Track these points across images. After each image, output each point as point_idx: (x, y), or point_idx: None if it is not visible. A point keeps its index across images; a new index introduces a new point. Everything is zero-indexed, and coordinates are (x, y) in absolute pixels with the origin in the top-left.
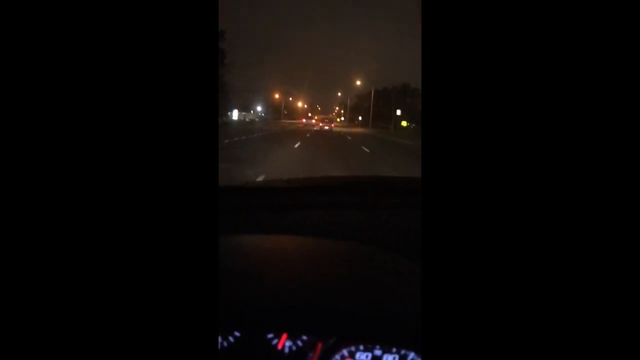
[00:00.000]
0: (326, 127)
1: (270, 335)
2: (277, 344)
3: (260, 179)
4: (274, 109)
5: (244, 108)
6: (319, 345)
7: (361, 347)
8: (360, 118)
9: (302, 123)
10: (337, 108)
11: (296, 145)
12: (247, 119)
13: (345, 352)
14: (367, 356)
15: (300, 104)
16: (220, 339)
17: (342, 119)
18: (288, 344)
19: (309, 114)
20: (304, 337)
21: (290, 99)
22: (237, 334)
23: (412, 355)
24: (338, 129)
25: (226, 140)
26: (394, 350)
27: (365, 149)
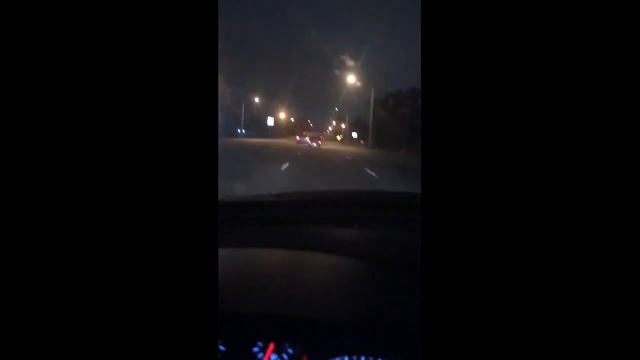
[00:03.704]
0: (314, 145)
1: (255, 350)
2: (262, 358)
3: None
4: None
5: None
6: (304, 359)
7: (346, 359)
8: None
9: (296, 141)
10: (334, 122)
11: None
12: None
13: None
14: None
15: (283, 116)
16: None
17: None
18: (274, 357)
19: (274, 126)
20: (290, 351)
21: (257, 99)
22: (222, 348)
23: None
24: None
25: None
26: None
27: None
